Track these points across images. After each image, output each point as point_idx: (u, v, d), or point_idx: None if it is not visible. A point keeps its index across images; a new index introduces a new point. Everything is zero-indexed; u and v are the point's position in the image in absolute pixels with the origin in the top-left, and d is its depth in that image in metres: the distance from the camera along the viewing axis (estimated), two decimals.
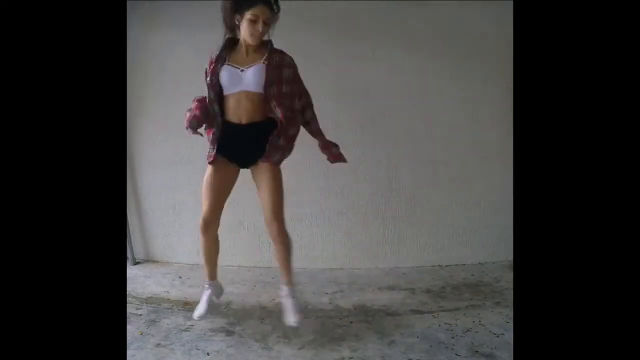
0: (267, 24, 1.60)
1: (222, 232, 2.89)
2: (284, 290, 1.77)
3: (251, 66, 1.62)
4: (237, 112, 1.63)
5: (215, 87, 1.64)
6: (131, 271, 2.66)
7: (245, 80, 1.61)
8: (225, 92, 1.65)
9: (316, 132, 1.79)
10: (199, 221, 1.70)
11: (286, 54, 1.67)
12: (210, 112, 1.65)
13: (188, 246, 2.83)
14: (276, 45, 1.67)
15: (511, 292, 2.12)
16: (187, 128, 1.65)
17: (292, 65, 1.67)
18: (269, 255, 2.75)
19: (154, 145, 2.81)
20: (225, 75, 1.62)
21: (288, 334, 1.81)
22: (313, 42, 2.54)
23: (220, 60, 1.65)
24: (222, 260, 2.78)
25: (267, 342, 1.76)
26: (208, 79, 1.65)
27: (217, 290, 1.88)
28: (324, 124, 1.78)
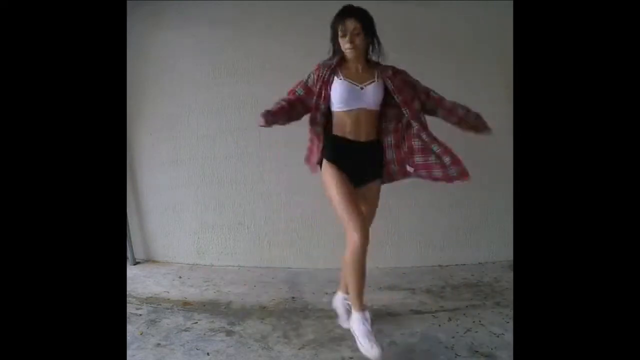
0: (356, 35, 1.59)
1: (222, 232, 2.88)
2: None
3: (369, 84, 1.63)
4: (355, 130, 1.63)
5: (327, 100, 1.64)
6: (131, 271, 2.67)
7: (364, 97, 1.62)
8: (339, 108, 1.64)
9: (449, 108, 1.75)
10: (357, 238, 1.56)
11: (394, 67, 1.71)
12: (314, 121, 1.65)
13: (188, 246, 2.83)
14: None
15: (511, 292, 2.12)
16: (265, 118, 1.45)
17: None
18: (269, 255, 2.75)
19: (154, 145, 2.81)
20: (342, 90, 1.60)
21: (288, 334, 1.82)
22: (313, 42, 2.54)
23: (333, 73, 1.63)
24: (222, 260, 2.83)
25: (267, 342, 1.76)
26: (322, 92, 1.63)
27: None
28: None
